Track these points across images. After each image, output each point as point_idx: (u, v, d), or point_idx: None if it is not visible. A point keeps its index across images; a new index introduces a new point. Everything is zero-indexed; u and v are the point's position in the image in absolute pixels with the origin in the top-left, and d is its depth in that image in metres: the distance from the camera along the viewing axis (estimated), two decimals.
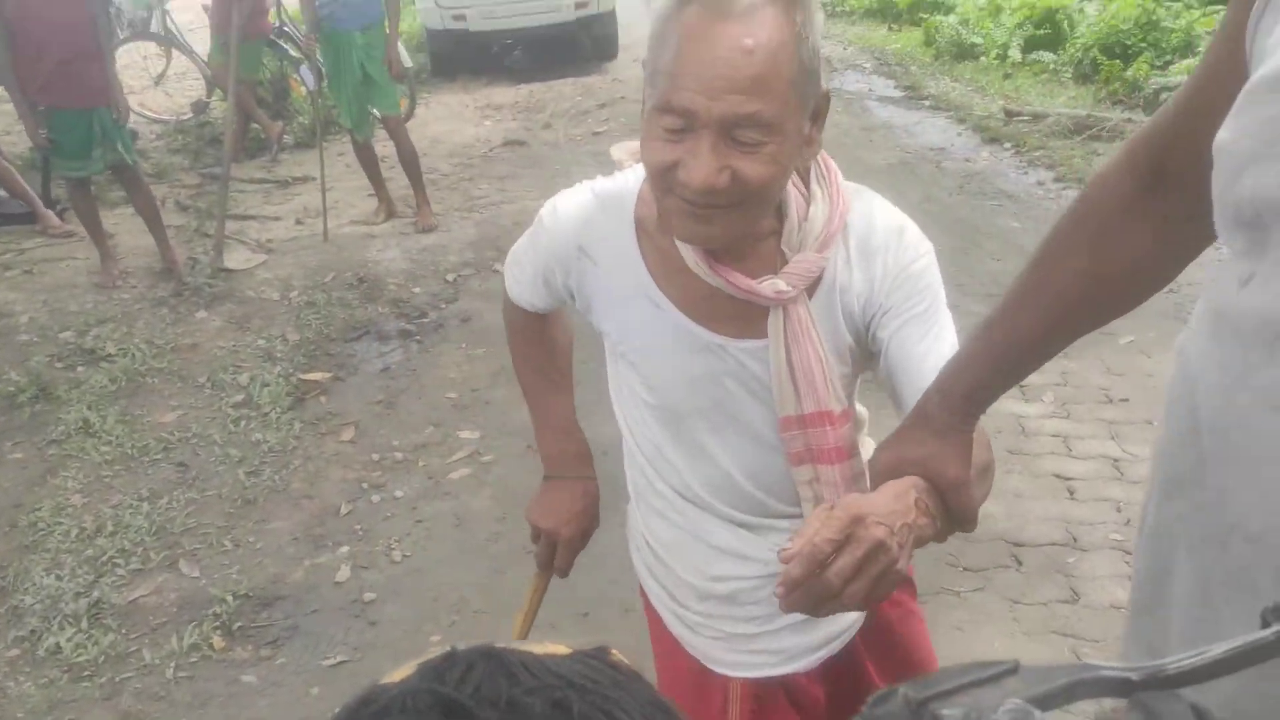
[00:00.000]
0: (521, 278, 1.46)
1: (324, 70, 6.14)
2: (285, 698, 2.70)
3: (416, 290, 5.36)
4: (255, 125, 7.81)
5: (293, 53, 7.85)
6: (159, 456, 3.88)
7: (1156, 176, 0.98)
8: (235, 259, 5.70)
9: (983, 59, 9.68)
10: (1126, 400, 3.83)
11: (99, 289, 5.33)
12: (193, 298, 5.23)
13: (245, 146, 7.69)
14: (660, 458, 1.40)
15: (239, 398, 4.28)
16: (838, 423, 1.28)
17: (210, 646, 2.90)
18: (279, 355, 4.65)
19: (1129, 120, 7.16)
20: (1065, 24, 9.34)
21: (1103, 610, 2.78)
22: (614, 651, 0.95)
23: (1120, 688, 0.54)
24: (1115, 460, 3.50)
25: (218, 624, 2.97)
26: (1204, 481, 0.86)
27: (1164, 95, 7.32)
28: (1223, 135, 0.84)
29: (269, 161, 7.64)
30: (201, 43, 8.28)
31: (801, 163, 1.19)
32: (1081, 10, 9.52)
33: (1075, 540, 3.07)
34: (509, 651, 0.89)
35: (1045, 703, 0.53)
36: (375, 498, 3.59)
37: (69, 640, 2.91)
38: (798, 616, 1.31)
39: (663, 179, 1.13)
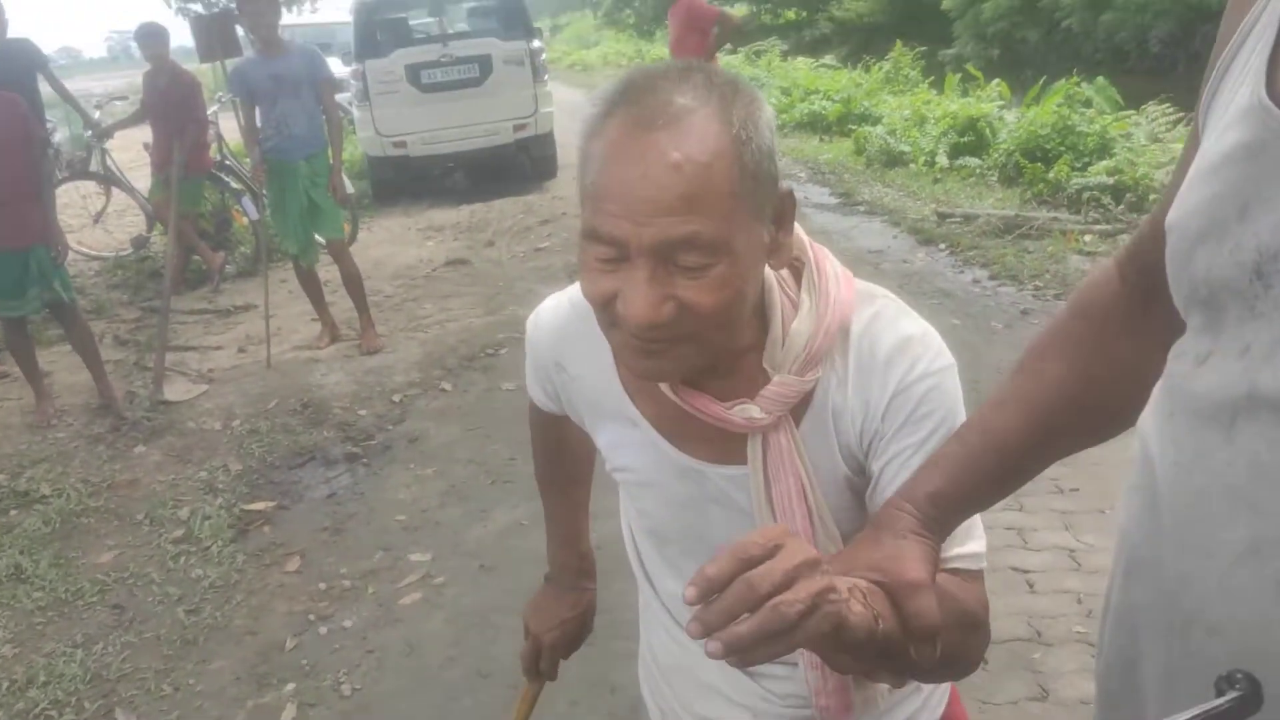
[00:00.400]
0: (530, 380, 1.36)
1: (266, 201, 6.17)
2: None
3: (363, 413, 5.30)
4: (196, 257, 7.79)
5: (234, 185, 7.90)
6: (94, 599, 3.73)
7: (1144, 290, 0.96)
8: (175, 390, 5.60)
9: (912, 165, 10.02)
10: (1077, 490, 3.85)
11: (33, 429, 5.20)
12: (131, 432, 5.11)
13: (186, 279, 7.66)
14: (656, 578, 1.33)
15: (179, 533, 4.15)
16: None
17: None
18: (221, 486, 4.54)
19: (1055, 218, 7.41)
20: (987, 131, 9.73)
21: (1073, 706, 2.73)
22: None
23: None
24: (1071, 551, 3.50)
25: None
26: (1164, 566, 0.84)
27: (1086, 194, 7.60)
28: (1173, 215, 0.84)
29: (211, 292, 7.61)
30: (142, 180, 8.31)
31: (776, 267, 1.07)
32: (1001, 118, 9.94)
33: (1039, 635, 3.04)
34: None
35: None
36: (323, 629, 3.47)
37: None
38: None
39: (604, 312, 1.01)
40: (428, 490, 4.45)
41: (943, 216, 7.86)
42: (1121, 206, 7.42)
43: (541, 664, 1.58)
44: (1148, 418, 0.91)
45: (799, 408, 1.10)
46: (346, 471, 4.72)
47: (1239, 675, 0.61)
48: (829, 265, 1.11)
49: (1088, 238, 6.99)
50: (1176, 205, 0.84)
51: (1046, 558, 3.45)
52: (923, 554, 0.94)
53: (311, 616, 3.55)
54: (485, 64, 10.29)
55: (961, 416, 1.08)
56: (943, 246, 7.25)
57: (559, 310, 1.24)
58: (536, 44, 10.69)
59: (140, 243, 8.50)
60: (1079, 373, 0.99)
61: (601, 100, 0.98)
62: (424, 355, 6.09)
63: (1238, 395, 0.76)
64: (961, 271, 6.74)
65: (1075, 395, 0.99)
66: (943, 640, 0.89)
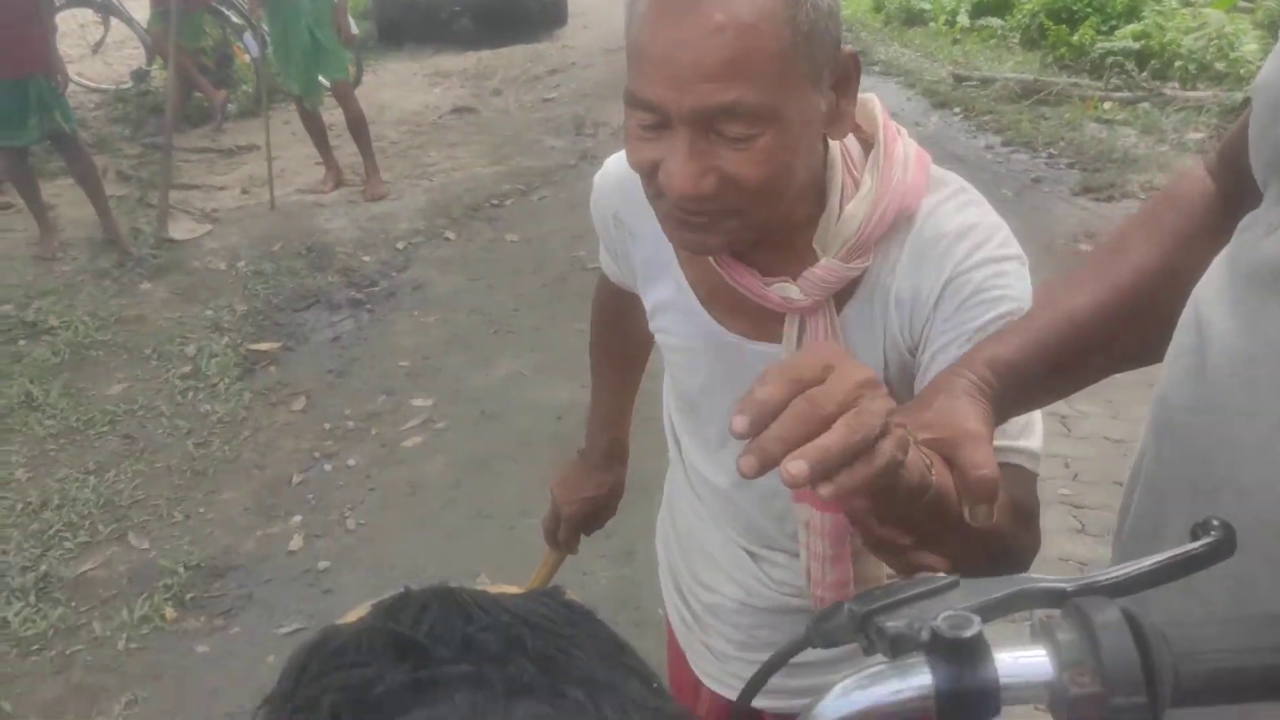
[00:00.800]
0: (601, 246, 1.33)
1: (268, 38, 6.01)
2: (240, 667, 2.67)
3: (366, 259, 5.30)
4: (198, 94, 7.64)
5: (236, 20, 7.68)
6: (105, 429, 3.81)
7: (1231, 193, 0.92)
8: (180, 229, 5.59)
9: (931, 25, 9.73)
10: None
11: (39, 261, 5.20)
12: (136, 269, 5.12)
13: (188, 115, 7.53)
14: (684, 445, 1.32)
15: (186, 369, 4.21)
16: None
17: (162, 618, 2.86)
18: (226, 326, 4.58)
19: (1075, 84, 7.24)
20: None
21: (1053, 563, 2.83)
22: (569, 592, 0.95)
23: (1056, 598, 0.55)
24: (1063, 417, 3.56)
25: (169, 595, 2.94)
26: (1202, 430, 0.82)
27: (1110, 59, 7.41)
28: (1264, 75, 0.80)
29: (213, 130, 7.49)
30: (141, 10, 8.07)
31: (835, 136, 0.99)
32: None
33: None
34: (463, 591, 0.88)
35: (985, 613, 0.53)
36: (328, 467, 3.56)
37: (16, 614, 2.86)
38: (773, 644, 1.18)
39: (648, 182, 0.96)
40: (431, 337, 4.49)
41: (959, 79, 7.69)
42: (1145, 73, 7.25)
43: (560, 534, 1.57)
44: (1204, 285, 0.88)
45: (844, 292, 1.05)
46: (350, 316, 4.76)
47: (1214, 522, 0.63)
48: (899, 147, 1.03)
49: (1107, 105, 6.85)
50: (1266, 68, 0.80)
51: (1045, 466, 3.51)
52: (979, 412, 0.83)
53: (317, 454, 3.64)
54: None
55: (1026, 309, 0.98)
56: (957, 110, 7.12)
57: (623, 165, 1.15)
58: None
59: (140, 76, 8.31)
60: (1161, 259, 0.93)
61: None
62: (429, 203, 6.05)
63: None
64: (974, 137, 6.64)
65: (1154, 281, 0.93)
66: (996, 523, 0.79)
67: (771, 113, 0.88)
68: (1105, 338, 0.92)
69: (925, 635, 0.51)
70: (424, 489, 3.40)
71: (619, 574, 2.89)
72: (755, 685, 0.63)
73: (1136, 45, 7.44)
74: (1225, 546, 0.61)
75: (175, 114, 6.42)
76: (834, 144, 1.02)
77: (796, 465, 0.63)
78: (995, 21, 9.16)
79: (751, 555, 1.25)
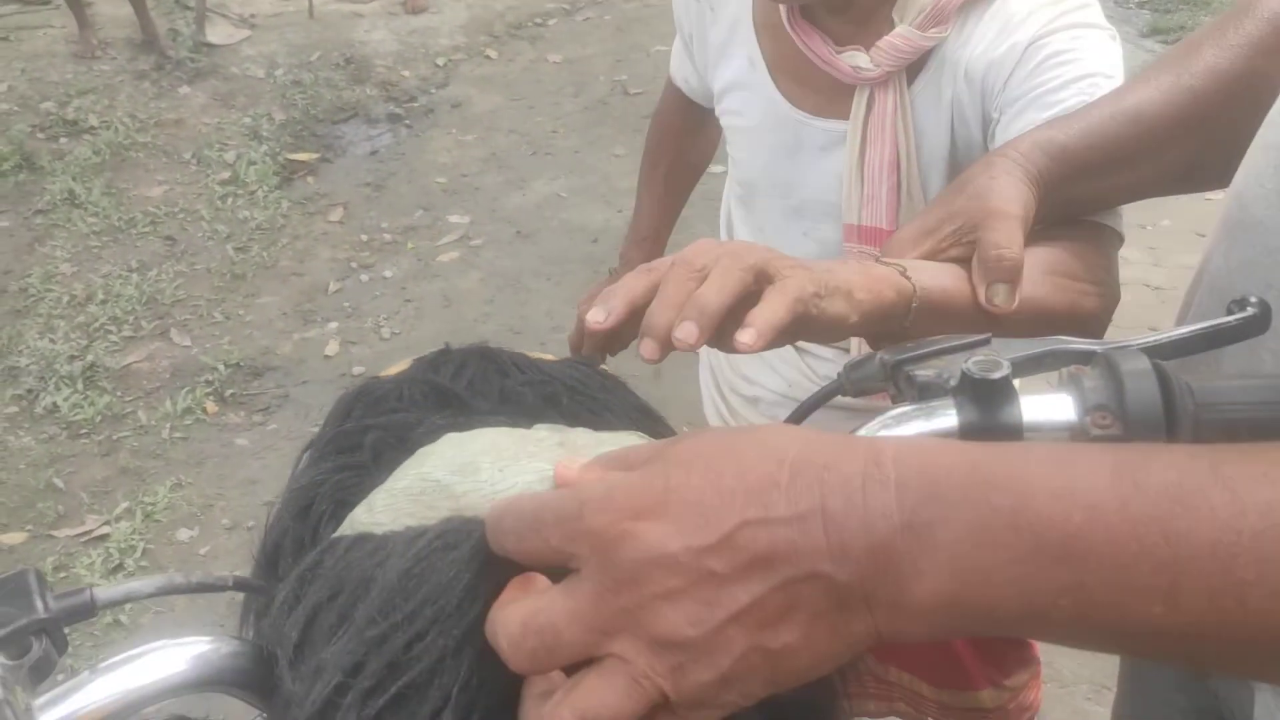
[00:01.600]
0: (677, 44, 1.30)
1: None
2: (277, 459, 2.78)
3: (406, 74, 5.21)
4: None
5: None
6: (147, 230, 3.86)
7: None
8: (218, 33, 5.49)
9: None
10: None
11: (78, 59, 5.15)
12: (175, 72, 5.06)
13: None
14: (735, 228, 1.32)
15: (225, 174, 4.22)
16: None
17: (204, 411, 2.96)
18: (265, 134, 4.55)
19: None
20: None
21: None
22: (603, 363, 0.97)
23: (1086, 357, 0.56)
24: (1157, 288, 3.51)
25: (210, 390, 3.03)
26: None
27: None
28: None
29: None
30: None
31: None
32: None
33: None
34: (502, 351, 0.90)
35: (1016, 368, 0.54)
36: (364, 277, 3.60)
37: (66, 400, 2.97)
38: None
39: None
40: (468, 155, 4.45)
41: None
42: None
43: (584, 348, 1.60)
44: None
45: (917, 67, 1.02)
46: (389, 131, 4.71)
47: (1251, 299, 0.63)
48: None
49: None
50: None
51: (1129, 293, 3.46)
52: (1013, 192, 0.78)
53: (354, 264, 3.68)
54: None
55: (1119, 79, 0.93)
56: None
57: None
58: None
59: None
60: (1237, 65, 0.87)
61: None
62: (470, 19, 5.88)
63: None
64: None
65: (1229, 87, 0.87)
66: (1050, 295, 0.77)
67: None
68: (1170, 138, 0.87)
69: (954, 380, 0.53)
70: (458, 303, 3.44)
71: (645, 393, 2.95)
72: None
73: None
74: (1260, 321, 0.61)
75: None
76: None
77: (684, 329, 0.60)
78: None
79: (798, 349, 1.25)
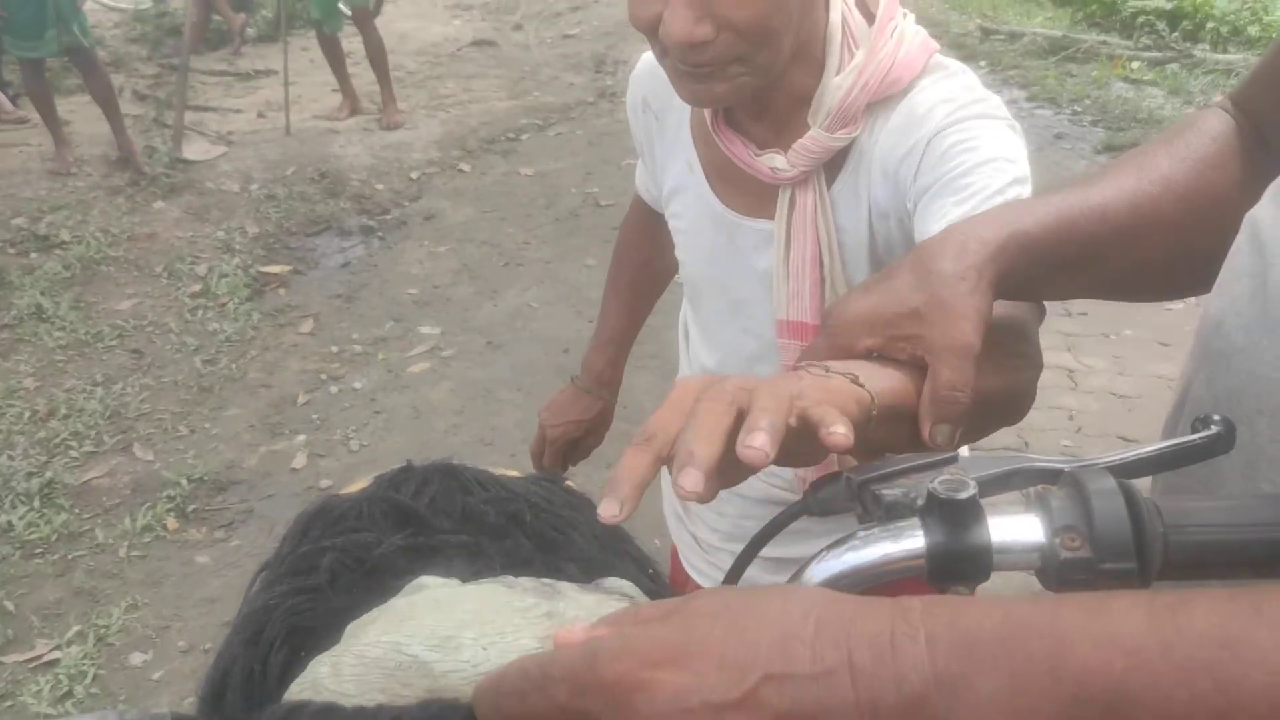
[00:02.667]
0: (640, 163, 1.36)
1: None
2: (239, 577, 2.70)
3: (380, 187, 5.27)
4: (217, 16, 7.57)
5: None
6: (114, 343, 3.83)
7: (1252, 134, 0.89)
8: (194, 150, 5.56)
9: None
10: (1085, 314, 3.86)
11: (53, 176, 5.19)
12: (150, 187, 5.11)
13: (206, 38, 7.46)
14: (687, 333, 1.35)
15: (196, 288, 4.22)
16: None
17: (164, 528, 2.89)
18: (238, 247, 4.58)
19: (1104, 42, 7.13)
20: None
21: None
22: (568, 480, 0.94)
23: (1053, 476, 0.54)
24: (1070, 371, 3.55)
25: (171, 506, 2.97)
26: (1263, 350, 0.79)
27: (1141, 18, 7.29)
28: None
29: (230, 54, 7.43)
30: None
31: None
32: None
33: (1027, 445, 3.12)
34: (466, 468, 0.88)
35: (983, 487, 0.53)
36: (333, 388, 3.57)
37: (21, 518, 2.90)
38: (769, 552, 1.13)
39: (654, 41, 0.99)
40: (440, 267, 4.48)
41: (987, 32, 7.57)
42: (1176, 34, 7.12)
43: (545, 458, 1.56)
44: (1262, 209, 0.83)
45: (835, 166, 1.06)
46: (361, 243, 4.75)
47: (1215, 417, 0.63)
48: (894, 23, 1.04)
49: (1135, 64, 6.75)
50: None
51: (1046, 376, 3.50)
52: (978, 309, 0.72)
53: (323, 375, 3.65)
54: None
55: (1020, 170, 0.96)
56: (983, 64, 7.00)
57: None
58: None
59: None
60: (1187, 175, 0.88)
61: None
62: (444, 134, 6.00)
63: None
64: (999, 91, 6.51)
65: (1181, 195, 0.87)
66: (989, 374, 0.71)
67: None
68: (1134, 239, 0.87)
69: (920, 500, 0.51)
70: (428, 414, 3.42)
71: (632, 523, 2.91)
72: (749, 554, 0.62)
73: (1169, 5, 7.31)
74: (1224, 441, 0.60)
75: (194, 35, 6.36)
76: (836, 18, 1.03)
77: (689, 479, 0.54)
78: None
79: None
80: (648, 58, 1.22)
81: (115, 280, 4.30)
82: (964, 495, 0.49)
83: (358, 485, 0.81)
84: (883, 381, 0.67)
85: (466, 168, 5.57)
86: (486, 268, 4.45)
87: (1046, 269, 0.81)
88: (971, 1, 8.68)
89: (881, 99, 1.02)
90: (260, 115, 6.22)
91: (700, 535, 1.35)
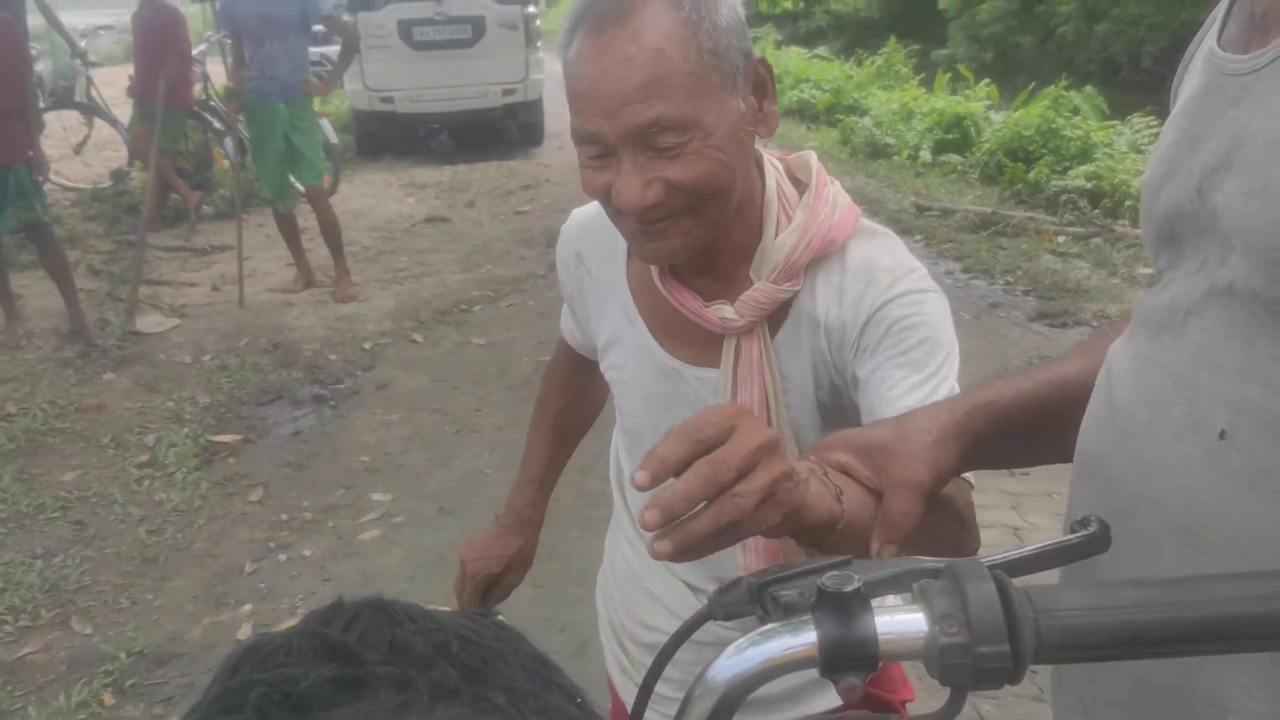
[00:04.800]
0: (565, 307, 1.44)
1: (247, 143, 6.17)
2: None
3: (333, 357, 5.34)
4: (175, 195, 7.77)
5: (218, 125, 7.88)
6: (56, 515, 3.78)
7: None
8: (147, 322, 5.62)
9: (895, 158, 10.10)
10: (1027, 474, 3.95)
11: (2, 349, 5.21)
12: (101, 359, 5.13)
13: (163, 216, 7.63)
14: (625, 483, 1.39)
15: (144, 458, 4.19)
16: None
17: (100, 704, 2.80)
18: (188, 417, 4.58)
19: (1031, 218, 7.52)
20: (972, 129, 9.82)
21: None
22: (500, 614, 0.98)
23: (937, 574, 0.60)
24: (1016, 529, 3.61)
25: (109, 682, 2.88)
26: (1113, 457, 0.91)
27: (1064, 196, 7.73)
28: (1146, 175, 0.94)
29: (186, 231, 7.59)
30: (126, 114, 8.27)
31: (766, 135, 1.11)
32: (988, 118, 10.03)
33: None
34: (396, 603, 0.91)
35: (872, 586, 0.58)
36: (282, 557, 3.53)
37: None
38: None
39: (606, 205, 1.09)
40: (392, 435, 4.51)
41: (921, 209, 7.96)
42: (1097, 211, 7.55)
43: (464, 595, 1.58)
44: (1115, 344, 0.98)
45: (778, 319, 1.16)
46: (313, 412, 4.77)
47: (1092, 519, 0.69)
48: (829, 191, 1.16)
49: (1061, 238, 7.11)
50: (1148, 168, 0.95)
51: (992, 535, 3.56)
52: (935, 460, 0.88)
53: (272, 544, 3.61)
54: (479, 25, 10.28)
55: (950, 338, 1.11)
56: (919, 238, 7.34)
57: (589, 210, 1.30)
58: (531, 9, 10.67)
59: (119, 176, 8.46)
60: None
61: (569, 15, 1.06)
62: (397, 306, 6.13)
63: (1193, 298, 0.85)
64: (935, 263, 6.84)
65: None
66: (932, 535, 0.87)
67: (693, 121, 1.00)
68: (1086, 403, 0.99)
69: (812, 595, 0.56)
70: (378, 580, 3.38)
71: (571, 668, 2.86)
72: (660, 664, 0.66)
73: (1089, 185, 7.77)
74: (1100, 541, 0.66)
75: (152, 211, 6.52)
76: (771, 185, 1.15)
77: (663, 545, 0.69)
78: (956, 157, 9.53)
79: (692, 589, 1.30)
80: (579, 214, 1.33)
81: (60, 451, 4.27)
82: (849, 589, 0.54)
83: (289, 624, 0.84)
84: (854, 505, 0.82)
85: (419, 338, 5.67)
86: (439, 435, 4.48)
87: (1011, 434, 0.94)
88: (906, 181, 9.16)
89: (821, 257, 1.14)
90: (215, 288, 6.32)
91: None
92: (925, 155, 9.80)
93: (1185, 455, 0.83)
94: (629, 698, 1.43)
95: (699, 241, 1.08)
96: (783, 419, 1.16)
